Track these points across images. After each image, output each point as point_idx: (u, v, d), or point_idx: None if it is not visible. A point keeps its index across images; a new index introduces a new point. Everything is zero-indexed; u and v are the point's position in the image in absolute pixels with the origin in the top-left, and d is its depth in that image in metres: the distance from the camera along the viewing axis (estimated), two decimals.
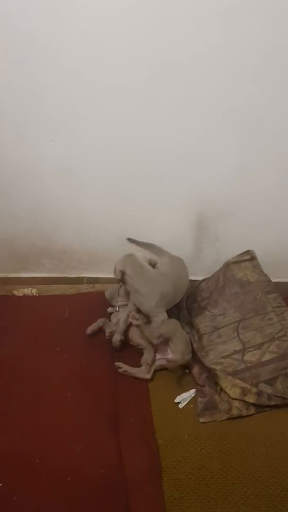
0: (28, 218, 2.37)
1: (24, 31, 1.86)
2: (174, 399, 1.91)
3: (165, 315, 2.01)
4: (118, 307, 2.23)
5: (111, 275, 2.35)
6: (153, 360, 2.02)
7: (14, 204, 2.32)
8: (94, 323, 2.18)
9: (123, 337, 2.09)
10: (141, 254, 2.12)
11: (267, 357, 1.96)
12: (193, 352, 2.07)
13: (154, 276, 2.03)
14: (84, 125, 2.08)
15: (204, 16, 1.84)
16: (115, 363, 2.02)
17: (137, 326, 2.02)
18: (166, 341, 2.00)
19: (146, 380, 1.98)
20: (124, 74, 1.96)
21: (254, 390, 1.85)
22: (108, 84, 1.98)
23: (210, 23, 1.86)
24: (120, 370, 2.00)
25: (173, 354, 1.98)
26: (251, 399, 1.84)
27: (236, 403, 1.85)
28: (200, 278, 2.51)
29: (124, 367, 2.00)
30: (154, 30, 1.87)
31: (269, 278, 2.33)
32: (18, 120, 2.07)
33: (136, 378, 1.98)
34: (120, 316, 2.13)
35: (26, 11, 1.81)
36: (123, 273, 1.98)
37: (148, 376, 1.99)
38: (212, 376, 1.95)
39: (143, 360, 2.02)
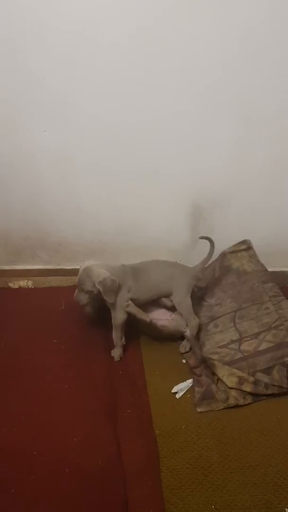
0: (23, 210, 2.35)
1: (15, 19, 1.83)
2: (171, 389, 1.91)
3: (121, 315, 2.00)
4: None
5: None
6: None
7: (8, 196, 2.31)
8: None
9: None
10: (99, 263, 2.03)
11: (264, 346, 1.96)
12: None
13: (123, 270, 2.03)
14: (78, 115, 2.06)
15: (201, 5, 1.82)
16: (124, 304, 2.00)
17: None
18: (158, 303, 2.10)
19: (143, 369, 1.99)
20: (118, 63, 1.93)
21: (251, 379, 1.86)
22: (101, 73, 1.96)
23: (206, 12, 1.83)
24: (125, 304, 1.99)
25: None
26: (248, 388, 1.84)
27: (233, 393, 1.85)
28: None
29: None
30: (150, 17, 1.84)
31: (266, 268, 2.32)
32: (10, 111, 2.05)
33: (131, 370, 2.01)
34: None
35: None
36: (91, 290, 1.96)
37: (148, 319, 2.03)
38: (209, 366, 1.96)
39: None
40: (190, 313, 2.08)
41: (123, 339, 2.06)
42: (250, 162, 2.21)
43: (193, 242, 2.47)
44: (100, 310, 2.12)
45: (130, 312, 2.00)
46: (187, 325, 2.08)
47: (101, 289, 1.90)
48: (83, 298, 1.99)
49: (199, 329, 2.11)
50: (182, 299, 2.08)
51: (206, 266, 2.47)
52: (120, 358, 2.05)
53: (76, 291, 2.00)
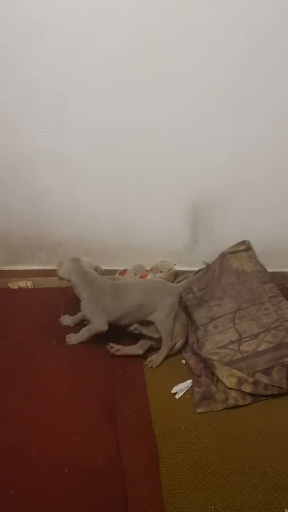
0: (22, 210, 2.35)
1: (14, 20, 1.83)
2: (171, 389, 1.91)
3: (100, 326, 1.99)
4: None
5: (107, 267, 2.35)
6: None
7: (8, 196, 2.31)
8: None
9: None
10: (88, 260, 2.08)
11: (263, 347, 1.96)
12: (189, 343, 2.08)
13: (97, 283, 2.01)
14: (77, 116, 2.06)
15: (201, 6, 1.82)
16: (108, 344, 2.02)
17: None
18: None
19: (143, 370, 1.99)
20: (117, 64, 1.94)
21: (251, 379, 1.86)
22: (101, 74, 1.96)
23: (206, 13, 1.83)
24: (112, 350, 2.01)
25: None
26: (247, 388, 1.84)
27: (232, 393, 1.85)
28: (196, 269, 2.51)
29: (116, 346, 2.02)
30: (148, 16, 1.84)
31: (265, 268, 2.32)
32: (10, 112, 2.05)
33: (129, 356, 2.03)
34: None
35: None
36: (63, 279, 2.04)
37: (141, 351, 2.03)
38: (208, 366, 1.96)
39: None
40: (169, 335, 2.02)
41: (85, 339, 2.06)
42: (250, 162, 2.21)
43: (193, 243, 2.47)
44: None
45: (140, 333, 2.03)
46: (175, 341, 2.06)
47: (71, 280, 1.99)
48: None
49: (173, 347, 2.06)
50: (164, 319, 1.99)
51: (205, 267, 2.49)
52: (74, 344, 2.05)
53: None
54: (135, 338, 2.09)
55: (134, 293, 2.02)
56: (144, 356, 2.07)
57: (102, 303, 1.99)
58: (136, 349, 2.05)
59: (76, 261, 2.02)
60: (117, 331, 2.08)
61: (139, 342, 2.07)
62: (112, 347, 2.02)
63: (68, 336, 2.08)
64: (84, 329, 2.05)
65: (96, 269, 2.08)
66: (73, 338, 2.07)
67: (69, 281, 2.03)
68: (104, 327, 1.99)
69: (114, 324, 2.03)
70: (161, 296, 2.01)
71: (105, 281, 2.05)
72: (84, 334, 2.05)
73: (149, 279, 2.27)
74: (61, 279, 2.06)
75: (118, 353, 2.02)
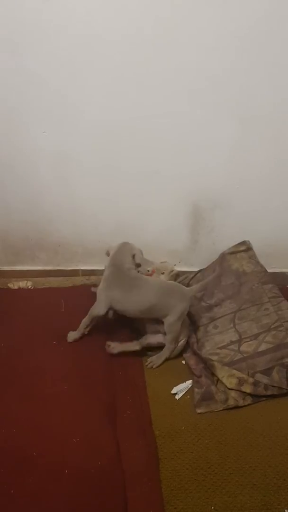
0: (22, 211, 2.35)
1: (15, 19, 1.83)
2: (171, 390, 1.91)
3: (100, 309, 1.99)
4: None
5: None
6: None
7: (8, 197, 2.31)
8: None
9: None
10: (137, 248, 2.07)
11: (263, 347, 1.96)
12: (189, 344, 2.08)
13: (119, 269, 1.99)
14: (78, 116, 2.06)
15: (200, 5, 1.82)
16: (106, 343, 2.02)
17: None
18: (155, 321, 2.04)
19: (143, 370, 1.99)
20: (117, 64, 1.94)
21: (251, 380, 1.86)
22: (101, 74, 1.96)
23: (206, 12, 1.83)
24: (109, 349, 2.01)
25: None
26: (247, 389, 1.84)
27: (232, 394, 1.85)
28: (196, 269, 2.51)
29: (112, 344, 2.02)
30: (150, 18, 1.84)
31: (265, 269, 2.32)
32: (10, 111, 2.05)
33: (128, 355, 2.03)
34: None
35: None
36: (107, 253, 2.06)
37: (138, 347, 2.03)
38: (208, 367, 1.96)
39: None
40: (174, 339, 2.01)
41: (88, 329, 2.07)
42: (250, 162, 2.21)
43: (193, 243, 2.47)
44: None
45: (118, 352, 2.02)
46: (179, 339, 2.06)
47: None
48: None
49: (174, 350, 2.06)
50: (173, 322, 1.98)
51: (205, 267, 2.49)
52: (73, 340, 2.06)
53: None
54: (134, 336, 2.10)
55: (149, 293, 1.98)
56: (143, 353, 2.07)
57: (112, 290, 1.98)
58: (133, 345, 2.04)
59: (124, 245, 2.04)
60: (116, 331, 2.09)
61: (139, 340, 2.06)
62: (109, 345, 2.02)
63: (69, 333, 2.09)
64: (84, 320, 2.05)
65: (133, 257, 2.03)
66: (74, 334, 2.07)
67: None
68: (102, 310, 1.99)
69: (120, 315, 2.04)
70: (174, 300, 1.98)
71: (128, 272, 2.00)
72: (84, 322, 2.05)
73: (165, 280, 2.24)
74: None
75: (115, 351, 2.01)
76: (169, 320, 1.97)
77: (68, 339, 2.07)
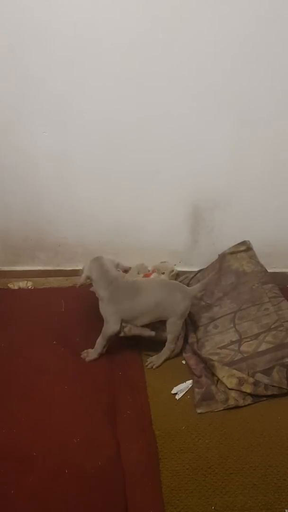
0: (22, 211, 2.35)
1: (14, 20, 1.83)
2: (171, 390, 1.91)
3: (114, 327, 1.94)
4: None
5: None
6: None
7: (8, 197, 2.31)
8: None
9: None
10: (110, 258, 2.03)
11: (263, 347, 1.96)
12: (189, 344, 2.08)
13: (116, 282, 1.94)
14: (77, 116, 2.06)
15: (200, 7, 1.82)
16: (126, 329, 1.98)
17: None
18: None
19: (143, 371, 1.99)
20: (117, 64, 1.94)
21: (251, 380, 1.86)
22: (101, 75, 1.96)
23: (206, 14, 1.84)
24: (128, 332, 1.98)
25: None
26: (248, 389, 1.84)
27: (233, 393, 1.85)
28: (196, 269, 2.51)
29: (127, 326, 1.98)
30: (149, 19, 1.84)
31: (265, 269, 2.32)
32: (10, 112, 2.05)
33: (131, 371, 2.00)
34: None
35: None
36: (88, 277, 1.96)
37: (153, 333, 2.00)
38: (208, 367, 1.95)
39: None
40: (175, 338, 2.01)
41: (105, 349, 2.01)
42: (250, 162, 2.21)
43: (193, 243, 2.47)
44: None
45: (134, 334, 1.98)
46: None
47: (90, 277, 1.93)
48: (83, 280, 1.97)
49: (172, 352, 2.05)
50: (175, 321, 1.97)
51: (205, 267, 2.49)
52: (91, 360, 2.00)
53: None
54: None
55: (153, 292, 1.97)
56: (143, 354, 2.08)
57: (119, 304, 1.93)
58: (148, 331, 2.00)
59: (97, 260, 1.96)
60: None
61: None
62: (130, 329, 1.98)
63: (84, 352, 2.03)
64: (98, 340, 1.99)
65: (117, 266, 2.03)
66: (91, 353, 2.01)
67: (91, 280, 1.96)
68: (116, 327, 1.94)
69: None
70: (177, 299, 1.97)
71: (125, 281, 1.99)
72: (100, 343, 1.99)
73: (166, 279, 2.23)
74: (83, 283, 1.98)
75: (131, 332, 1.97)
76: (171, 319, 1.97)
77: (86, 359, 2.00)
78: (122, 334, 1.98)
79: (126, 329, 1.98)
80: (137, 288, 1.96)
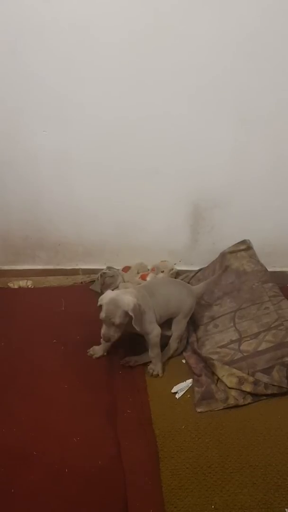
0: (22, 210, 2.35)
1: (15, 19, 1.83)
2: (171, 389, 1.91)
3: (156, 329, 1.90)
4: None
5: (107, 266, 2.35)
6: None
7: (8, 196, 2.31)
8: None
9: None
10: (119, 291, 1.90)
11: (263, 346, 1.96)
12: (189, 343, 2.08)
13: (135, 293, 1.86)
14: (77, 115, 2.06)
15: (200, 6, 1.82)
16: (123, 360, 2.00)
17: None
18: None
19: (143, 370, 1.99)
20: (117, 63, 1.94)
21: (251, 379, 1.85)
22: (101, 73, 1.96)
23: (206, 13, 1.83)
24: (130, 364, 1.99)
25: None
26: (248, 388, 1.84)
27: (233, 393, 1.85)
28: (196, 268, 2.51)
29: (132, 359, 2.00)
30: (149, 15, 1.84)
31: (265, 268, 2.32)
32: (10, 111, 2.05)
33: (134, 367, 2.00)
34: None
35: None
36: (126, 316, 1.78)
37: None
38: (209, 366, 1.95)
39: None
40: (178, 337, 2.02)
41: (105, 353, 2.01)
42: (250, 162, 2.21)
43: (193, 242, 2.47)
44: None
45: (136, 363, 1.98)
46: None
47: (133, 316, 1.74)
48: (115, 333, 1.78)
49: (175, 351, 2.05)
50: (180, 320, 1.99)
51: (205, 266, 2.49)
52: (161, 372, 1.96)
53: (104, 328, 1.78)
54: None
55: (165, 287, 2.01)
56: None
57: (148, 307, 1.88)
58: (146, 357, 1.99)
59: (111, 295, 1.80)
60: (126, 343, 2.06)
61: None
62: (128, 362, 1.99)
63: (149, 367, 1.96)
64: (150, 353, 1.94)
65: (110, 269, 2.03)
66: (156, 368, 1.95)
67: (121, 323, 1.78)
68: (158, 328, 1.91)
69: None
70: (184, 296, 2.00)
71: (141, 286, 1.98)
72: (156, 352, 1.93)
73: (171, 279, 2.24)
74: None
75: (130, 364, 1.99)
76: (178, 317, 2.00)
77: (159, 374, 1.96)
78: (132, 364, 2.00)
79: (131, 362, 2.00)
80: (149, 290, 1.94)
